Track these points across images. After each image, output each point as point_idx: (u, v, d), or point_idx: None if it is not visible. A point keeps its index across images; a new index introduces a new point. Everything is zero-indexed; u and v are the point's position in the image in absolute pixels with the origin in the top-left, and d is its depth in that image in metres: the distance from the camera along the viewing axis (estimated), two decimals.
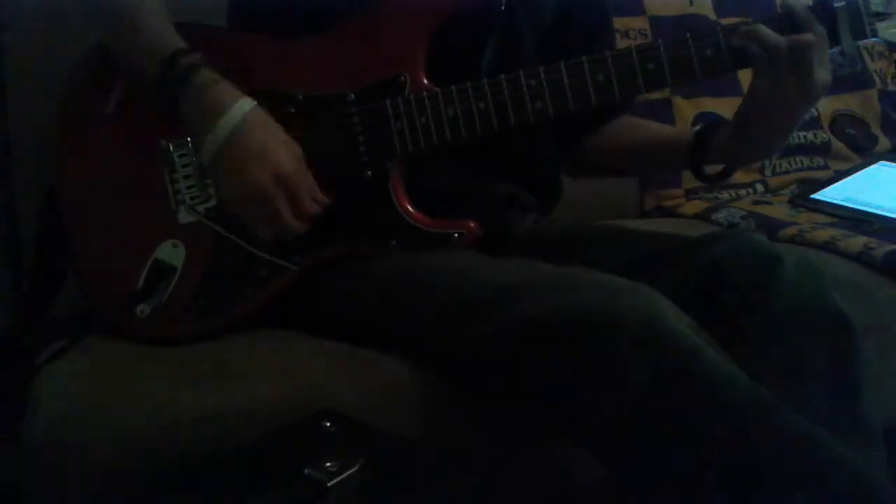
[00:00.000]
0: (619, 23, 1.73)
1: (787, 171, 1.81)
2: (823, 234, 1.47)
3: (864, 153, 1.86)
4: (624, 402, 0.88)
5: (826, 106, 1.88)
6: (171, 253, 1.10)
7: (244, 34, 1.15)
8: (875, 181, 1.72)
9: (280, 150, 1.04)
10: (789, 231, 1.51)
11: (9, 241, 1.36)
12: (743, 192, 1.77)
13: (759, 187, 1.78)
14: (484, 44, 1.12)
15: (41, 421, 0.96)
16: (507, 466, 1.04)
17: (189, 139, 1.09)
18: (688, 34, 1.05)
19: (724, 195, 1.75)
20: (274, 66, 1.10)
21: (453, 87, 1.06)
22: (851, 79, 1.91)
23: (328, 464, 0.82)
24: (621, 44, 1.65)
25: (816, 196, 1.69)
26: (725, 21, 1.77)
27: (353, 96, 1.08)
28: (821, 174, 1.80)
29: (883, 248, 1.40)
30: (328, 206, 1.07)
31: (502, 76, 1.05)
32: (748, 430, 0.86)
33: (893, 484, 0.90)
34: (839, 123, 1.89)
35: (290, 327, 1.11)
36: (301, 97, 1.09)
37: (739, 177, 1.76)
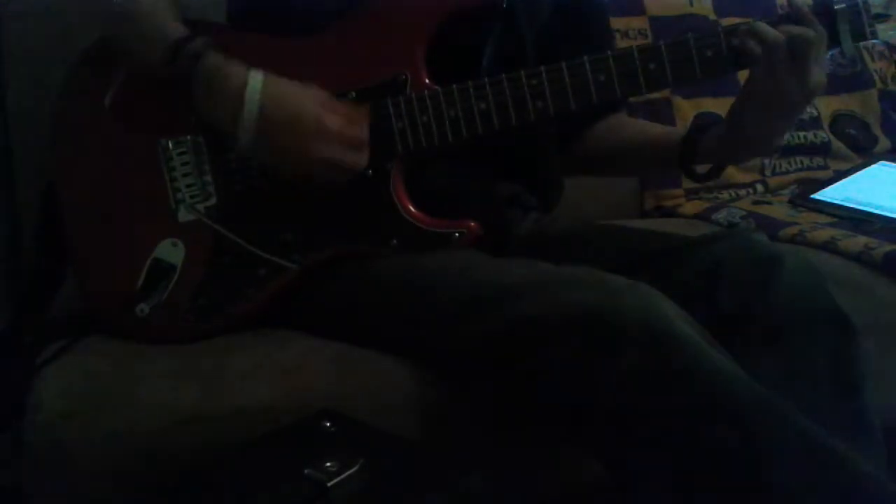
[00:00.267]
0: (619, 23, 1.74)
1: (787, 171, 1.81)
2: (823, 234, 1.47)
3: (864, 153, 1.86)
4: (624, 402, 0.88)
5: (826, 106, 1.88)
6: (171, 252, 1.10)
7: (245, 33, 1.15)
8: (875, 181, 1.72)
9: (307, 100, 1.02)
10: (789, 231, 1.51)
11: (9, 241, 1.36)
12: (743, 192, 1.76)
13: (760, 187, 1.78)
14: (485, 42, 1.12)
15: (41, 421, 0.96)
16: (507, 466, 1.03)
17: (189, 137, 1.08)
18: (689, 34, 1.06)
19: (724, 195, 1.75)
20: (274, 65, 1.10)
21: (454, 86, 1.06)
22: (851, 79, 1.92)
23: (328, 464, 0.82)
24: (621, 44, 1.66)
25: (816, 196, 1.68)
26: (725, 21, 1.77)
27: (353, 95, 1.08)
28: (821, 174, 1.80)
29: (883, 248, 1.40)
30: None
31: (503, 75, 1.05)
32: (748, 429, 0.86)
33: (893, 482, 0.90)
34: (839, 123, 1.89)
35: (290, 327, 1.11)
36: None
37: (739, 177, 1.77)
